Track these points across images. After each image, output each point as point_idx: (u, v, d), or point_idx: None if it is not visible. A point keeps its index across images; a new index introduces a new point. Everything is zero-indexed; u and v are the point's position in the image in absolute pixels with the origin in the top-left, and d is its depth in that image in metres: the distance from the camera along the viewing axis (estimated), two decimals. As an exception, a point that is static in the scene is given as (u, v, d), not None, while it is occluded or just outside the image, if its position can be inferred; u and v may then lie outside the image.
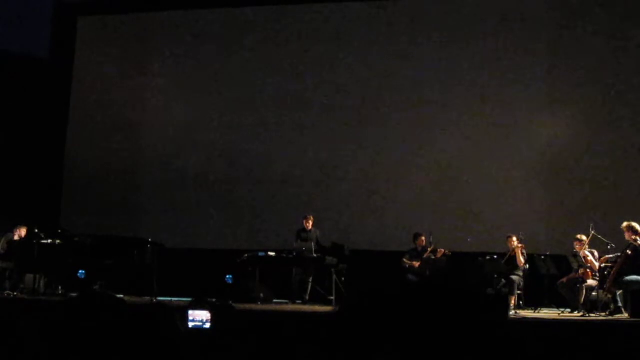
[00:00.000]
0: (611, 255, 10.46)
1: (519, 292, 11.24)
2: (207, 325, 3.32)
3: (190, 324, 3.34)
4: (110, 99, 15.58)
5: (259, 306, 10.85)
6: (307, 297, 12.07)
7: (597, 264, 10.68)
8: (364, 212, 13.81)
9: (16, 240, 12.06)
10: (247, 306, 10.26)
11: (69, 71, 15.90)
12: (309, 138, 14.43)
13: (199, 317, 3.33)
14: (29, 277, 11.88)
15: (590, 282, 10.58)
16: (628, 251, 10.05)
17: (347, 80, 14.37)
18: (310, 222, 12.56)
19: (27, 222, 12.31)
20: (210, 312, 3.36)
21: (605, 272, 10.37)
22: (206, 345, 3.24)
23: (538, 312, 10.79)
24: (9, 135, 15.20)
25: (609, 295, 10.28)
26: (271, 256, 12.13)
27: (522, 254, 11.36)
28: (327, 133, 14.35)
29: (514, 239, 11.46)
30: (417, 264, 11.94)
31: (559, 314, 10.58)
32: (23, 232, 12.20)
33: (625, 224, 10.27)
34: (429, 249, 11.99)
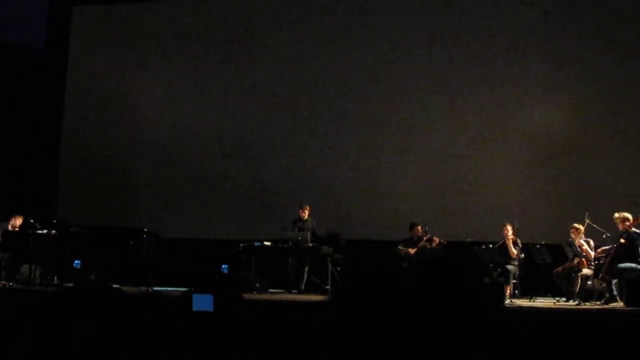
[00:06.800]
0: (607, 247, 10.51)
1: (514, 281, 11.26)
2: (211, 309, 3.37)
3: (195, 308, 3.38)
4: (107, 89, 15.55)
5: (254, 295, 10.86)
6: (303, 287, 12.10)
7: (592, 253, 10.73)
8: (359, 202, 13.81)
9: (12, 231, 12.05)
10: (243, 296, 10.26)
11: (65, 61, 15.86)
12: (305, 129, 14.43)
13: (203, 300, 3.37)
14: (25, 267, 11.87)
15: (586, 271, 10.61)
16: (622, 239, 10.11)
17: (345, 72, 14.35)
18: (306, 212, 12.57)
19: (23, 212, 12.30)
20: (214, 296, 3.40)
21: (601, 262, 10.44)
22: (209, 329, 3.27)
23: (533, 301, 10.82)
24: (4, 125, 15.17)
25: (604, 284, 10.33)
26: (267, 246, 12.16)
27: (516, 245, 11.37)
28: (323, 124, 14.34)
29: (508, 227, 11.47)
30: (412, 251, 11.98)
31: (554, 302, 10.63)
32: (18, 222, 12.19)
33: (616, 214, 10.33)
34: (425, 238, 12.03)
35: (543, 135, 13.32)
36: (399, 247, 12.17)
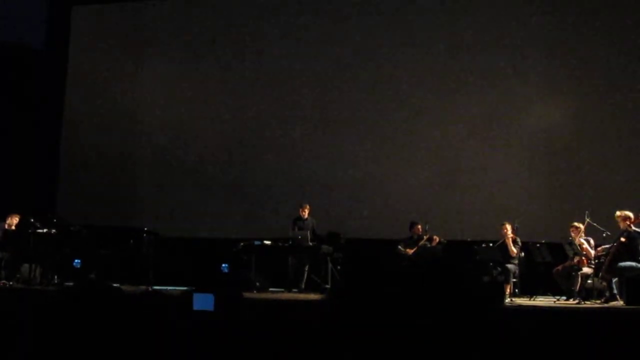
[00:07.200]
0: (607, 246, 10.51)
1: (514, 280, 11.25)
2: (211, 308, 3.37)
3: (195, 307, 3.38)
4: (106, 88, 15.55)
5: (255, 294, 10.85)
6: (303, 286, 12.10)
7: (592, 252, 10.72)
8: (359, 201, 13.82)
9: (12, 230, 12.04)
10: (243, 295, 10.24)
11: (65, 61, 15.86)
12: (305, 127, 14.42)
13: (203, 299, 3.37)
14: (25, 266, 11.86)
15: (586, 269, 10.61)
16: (622, 238, 10.11)
17: (346, 69, 14.35)
18: (306, 211, 12.58)
19: (21, 211, 12.29)
20: (215, 295, 3.40)
21: (601, 261, 10.44)
22: (210, 328, 3.27)
23: (533, 300, 10.81)
24: (4, 124, 15.16)
25: (604, 283, 10.33)
26: (267, 245, 12.16)
27: (516, 243, 11.35)
28: (323, 122, 14.34)
29: (508, 227, 11.47)
30: (411, 252, 11.98)
31: (555, 301, 10.62)
32: (15, 220, 12.16)
33: (618, 212, 10.34)
34: (425, 237, 12.02)
35: (543, 134, 13.33)
36: (399, 246, 12.17)
